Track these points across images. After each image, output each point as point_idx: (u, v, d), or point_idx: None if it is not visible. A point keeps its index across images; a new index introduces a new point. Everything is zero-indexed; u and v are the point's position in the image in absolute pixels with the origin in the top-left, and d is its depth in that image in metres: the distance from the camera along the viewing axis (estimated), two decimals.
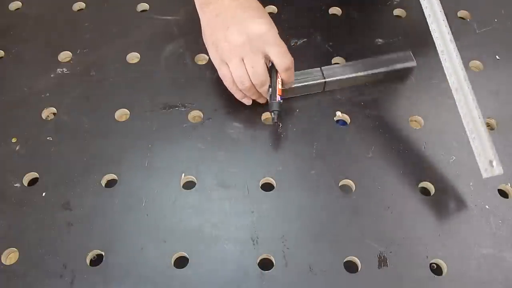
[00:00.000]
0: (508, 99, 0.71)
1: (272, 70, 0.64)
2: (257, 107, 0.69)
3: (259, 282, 0.57)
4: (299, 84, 0.68)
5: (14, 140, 0.67)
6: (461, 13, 0.80)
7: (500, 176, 0.63)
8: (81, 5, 0.82)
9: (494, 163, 0.59)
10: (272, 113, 0.65)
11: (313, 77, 0.69)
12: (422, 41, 0.75)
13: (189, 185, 0.64)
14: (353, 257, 0.58)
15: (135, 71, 0.74)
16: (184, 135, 0.68)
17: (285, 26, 0.77)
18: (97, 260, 0.59)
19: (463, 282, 0.57)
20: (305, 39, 0.76)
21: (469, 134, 0.60)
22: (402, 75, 0.71)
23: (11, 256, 0.59)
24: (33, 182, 0.64)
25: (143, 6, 0.81)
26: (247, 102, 0.67)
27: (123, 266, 0.58)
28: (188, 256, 0.59)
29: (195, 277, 0.57)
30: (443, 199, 0.62)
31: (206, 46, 0.66)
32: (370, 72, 0.69)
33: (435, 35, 0.62)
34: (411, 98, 0.71)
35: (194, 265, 0.58)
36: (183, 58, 0.74)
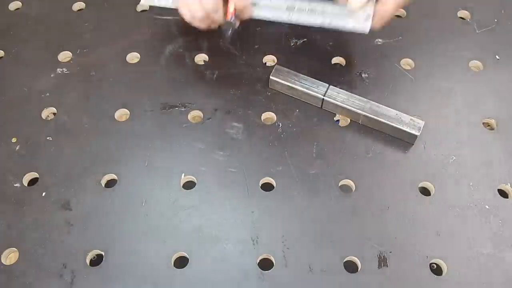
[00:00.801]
0: (508, 99, 0.71)
1: None
2: (257, 107, 0.70)
3: (259, 282, 0.57)
4: (299, 88, 0.68)
5: (14, 140, 0.67)
6: (461, 13, 0.80)
7: (500, 176, 0.64)
8: (81, 5, 0.82)
9: (370, 18, 0.63)
10: (224, 32, 0.68)
11: (316, 89, 0.68)
12: (422, 41, 0.75)
13: (189, 185, 0.64)
14: (353, 257, 0.58)
15: (135, 71, 0.74)
16: (184, 135, 0.68)
17: (285, 26, 0.78)
18: (97, 260, 0.59)
19: (463, 282, 0.57)
20: (305, 39, 0.76)
21: None
22: (403, 136, 0.67)
23: (11, 256, 0.59)
24: (33, 182, 0.64)
25: (143, 6, 0.81)
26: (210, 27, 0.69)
27: (123, 266, 0.58)
28: (188, 256, 0.59)
29: (195, 277, 0.57)
30: (443, 199, 0.62)
31: None
32: (370, 116, 0.66)
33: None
34: (411, 98, 0.71)
35: (194, 265, 0.58)
36: (183, 58, 0.74)
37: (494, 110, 0.70)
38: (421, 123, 0.65)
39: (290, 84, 0.69)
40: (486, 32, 0.78)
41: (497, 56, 0.75)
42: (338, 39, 0.76)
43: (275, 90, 0.71)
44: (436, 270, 0.58)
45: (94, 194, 0.63)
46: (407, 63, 0.75)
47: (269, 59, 0.75)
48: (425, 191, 0.64)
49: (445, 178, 0.64)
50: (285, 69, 0.70)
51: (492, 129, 0.69)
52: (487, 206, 0.62)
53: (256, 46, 0.75)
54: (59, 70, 0.74)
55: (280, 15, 0.66)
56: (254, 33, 0.74)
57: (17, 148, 0.67)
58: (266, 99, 0.71)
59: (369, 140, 0.67)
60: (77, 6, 0.82)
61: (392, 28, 0.78)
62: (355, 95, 0.67)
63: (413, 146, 0.66)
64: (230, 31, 0.67)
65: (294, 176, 0.64)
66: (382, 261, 0.58)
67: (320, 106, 0.69)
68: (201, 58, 0.75)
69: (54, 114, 0.71)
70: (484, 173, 0.64)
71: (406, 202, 0.62)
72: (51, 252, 0.59)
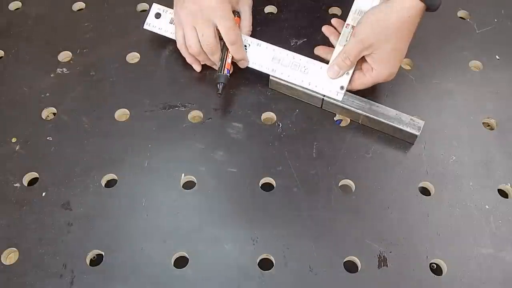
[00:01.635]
0: (508, 99, 0.71)
1: (224, 44, 0.68)
2: (257, 107, 0.70)
3: (259, 282, 0.57)
4: (299, 88, 0.68)
5: (14, 140, 0.67)
6: (461, 13, 0.80)
7: (500, 176, 0.64)
8: (81, 5, 0.82)
9: (344, 89, 0.66)
10: (218, 85, 0.68)
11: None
12: (422, 41, 0.75)
13: (189, 185, 0.64)
14: (353, 257, 0.58)
15: (135, 71, 0.74)
16: (184, 135, 0.68)
17: (285, 26, 0.78)
18: (97, 260, 0.59)
19: (463, 282, 0.57)
20: (305, 39, 0.76)
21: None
22: (403, 136, 0.66)
23: (11, 256, 0.59)
24: (33, 182, 0.64)
25: (143, 6, 0.81)
26: (197, 68, 0.73)
27: (123, 266, 0.58)
28: (188, 256, 0.59)
29: (195, 277, 0.57)
30: (443, 199, 0.62)
31: None
32: (370, 116, 0.66)
33: None
34: (411, 98, 0.71)
35: (194, 265, 0.58)
36: (183, 58, 0.74)
37: (494, 110, 0.70)
38: (421, 123, 0.65)
39: (290, 84, 0.69)
40: (486, 32, 0.78)
41: (497, 56, 0.75)
42: None
43: (275, 90, 0.71)
44: (436, 270, 0.58)
45: (94, 194, 0.63)
46: (407, 63, 0.75)
47: None
48: (425, 191, 0.64)
49: (445, 178, 0.64)
50: None
51: (492, 129, 0.69)
52: (487, 206, 0.62)
53: None
54: (59, 70, 0.74)
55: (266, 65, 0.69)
56: (254, 33, 0.74)
57: (17, 148, 0.67)
58: (266, 99, 0.71)
59: (369, 140, 0.67)
60: (77, 6, 0.82)
61: None
62: (355, 95, 0.67)
63: (413, 146, 0.66)
64: (221, 85, 0.67)
65: (294, 176, 0.64)
66: (382, 261, 0.58)
67: (320, 106, 0.69)
68: None
69: (54, 114, 0.71)
70: (484, 173, 0.64)
71: (406, 202, 0.62)
72: (51, 252, 0.59)
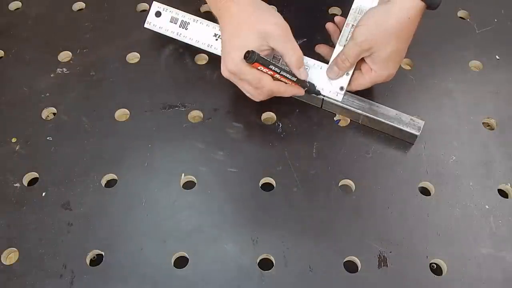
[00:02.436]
0: (508, 99, 0.71)
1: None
2: (257, 107, 0.70)
3: (259, 282, 0.57)
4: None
5: (14, 140, 0.67)
6: (461, 13, 0.80)
7: (500, 176, 0.64)
8: (81, 5, 0.82)
9: (343, 90, 0.66)
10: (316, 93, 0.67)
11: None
12: (422, 41, 0.75)
13: (189, 185, 0.64)
14: (353, 257, 0.58)
15: (135, 71, 0.74)
16: (184, 135, 0.68)
17: None
18: (97, 260, 0.59)
19: (463, 282, 0.57)
20: (305, 39, 0.76)
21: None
22: (403, 136, 0.66)
23: (11, 256, 0.59)
24: (33, 182, 0.64)
25: (143, 6, 0.81)
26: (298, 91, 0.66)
27: (123, 266, 0.58)
28: (188, 256, 0.59)
29: (195, 277, 0.57)
30: (443, 199, 0.62)
31: None
32: (370, 116, 0.66)
33: None
34: (411, 98, 0.71)
35: (194, 265, 0.58)
36: (183, 58, 0.74)
37: (494, 110, 0.70)
38: (421, 123, 0.65)
39: None
40: (486, 32, 0.78)
41: (497, 56, 0.75)
42: None
43: None
44: (436, 270, 0.58)
45: (94, 194, 0.63)
46: (407, 63, 0.75)
47: None
48: (425, 191, 0.64)
49: (445, 178, 0.64)
50: None
51: (492, 129, 0.69)
52: (487, 206, 0.62)
53: None
54: (59, 70, 0.74)
55: None
56: None
57: (17, 148, 0.67)
58: (266, 99, 0.71)
59: (369, 140, 0.67)
60: (77, 6, 0.82)
61: None
62: (355, 95, 0.67)
63: (413, 146, 0.66)
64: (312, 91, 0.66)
65: (294, 176, 0.64)
66: (382, 261, 0.58)
67: (320, 106, 0.69)
68: (201, 58, 0.75)
69: (54, 114, 0.71)
70: (484, 173, 0.64)
71: (406, 202, 0.62)
72: (51, 252, 0.59)
